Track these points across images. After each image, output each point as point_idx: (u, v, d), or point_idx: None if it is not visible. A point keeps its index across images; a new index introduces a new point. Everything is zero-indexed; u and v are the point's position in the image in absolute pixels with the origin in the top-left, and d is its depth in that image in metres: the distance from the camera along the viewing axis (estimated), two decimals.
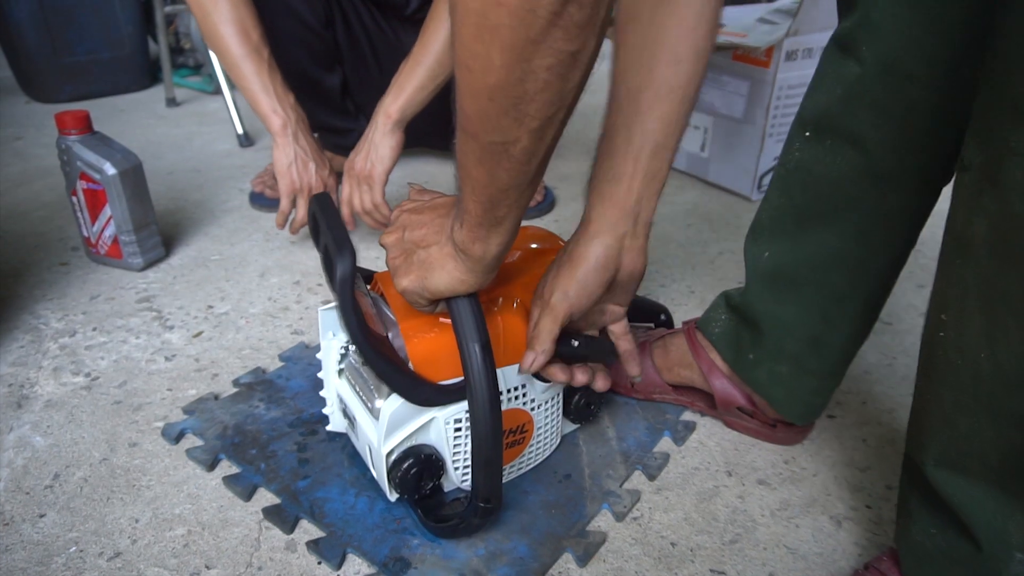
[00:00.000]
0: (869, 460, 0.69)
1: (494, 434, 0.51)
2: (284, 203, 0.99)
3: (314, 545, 0.58)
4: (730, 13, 1.34)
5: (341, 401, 0.64)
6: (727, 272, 1.03)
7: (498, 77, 0.35)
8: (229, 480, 0.64)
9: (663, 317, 0.84)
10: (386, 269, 0.59)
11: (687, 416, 0.74)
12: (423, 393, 0.54)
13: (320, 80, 1.14)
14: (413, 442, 0.57)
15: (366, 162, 0.97)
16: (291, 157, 0.98)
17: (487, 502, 0.54)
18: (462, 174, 0.43)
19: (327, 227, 0.51)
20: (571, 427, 0.70)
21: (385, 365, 0.52)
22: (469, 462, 0.59)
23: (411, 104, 0.95)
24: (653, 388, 0.75)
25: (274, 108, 0.95)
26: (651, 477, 0.66)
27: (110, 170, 0.94)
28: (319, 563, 0.57)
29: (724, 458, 0.69)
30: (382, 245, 0.55)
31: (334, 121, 1.21)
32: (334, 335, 0.63)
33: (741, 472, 0.67)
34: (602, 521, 0.62)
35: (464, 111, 0.39)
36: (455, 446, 0.58)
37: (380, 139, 0.96)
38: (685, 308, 0.94)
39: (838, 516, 0.63)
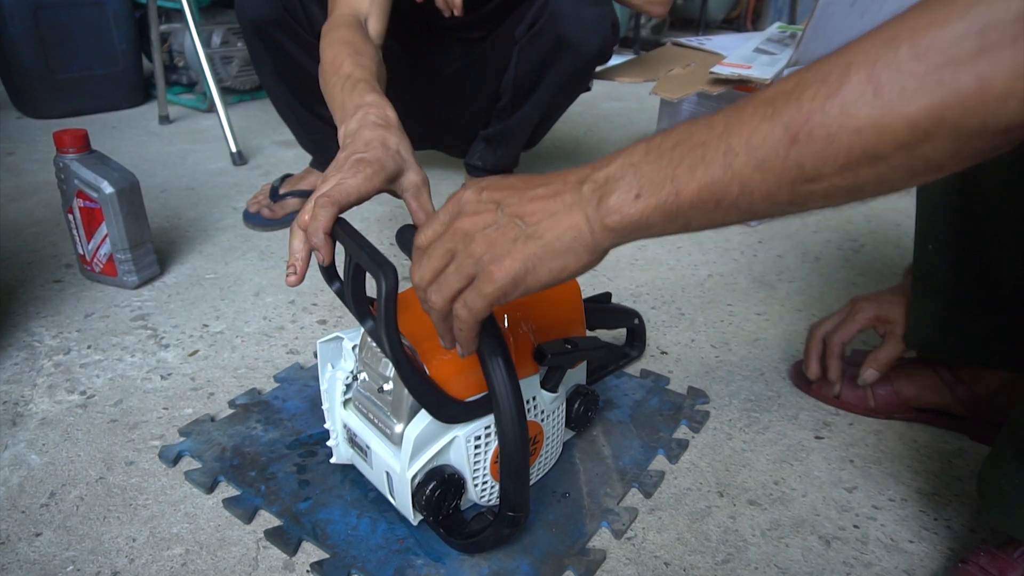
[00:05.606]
0: (856, 480, 0.71)
1: (522, 443, 0.52)
2: None
3: (318, 567, 0.58)
4: (728, 44, 1.38)
5: (348, 431, 0.64)
6: (716, 294, 1.06)
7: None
8: (229, 502, 0.64)
9: (636, 322, 0.87)
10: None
11: (680, 434, 0.76)
12: (451, 410, 0.56)
13: (311, 110, 1.18)
14: (436, 463, 0.58)
15: None
16: None
17: (516, 511, 0.55)
18: (710, 150, 0.36)
19: (359, 247, 0.50)
20: (569, 434, 0.72)
21: (421, 384, 0.53)
22: (487, 478, 0.60)
23: None
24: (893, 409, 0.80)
25: None
26: (647, 495, 0.68)
27: (107, 189, 0.94)
28: None
29: (716, 479, 0.71)
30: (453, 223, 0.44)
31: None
32: (333, 367, 0.64)
33: (732, 492, 0.69)
34: (601, 539, 0.63)
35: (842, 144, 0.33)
36: (475, 463, 0.59)
37: None
38: (675, 330, 0.96)
39: (827, 536, 0.65)
